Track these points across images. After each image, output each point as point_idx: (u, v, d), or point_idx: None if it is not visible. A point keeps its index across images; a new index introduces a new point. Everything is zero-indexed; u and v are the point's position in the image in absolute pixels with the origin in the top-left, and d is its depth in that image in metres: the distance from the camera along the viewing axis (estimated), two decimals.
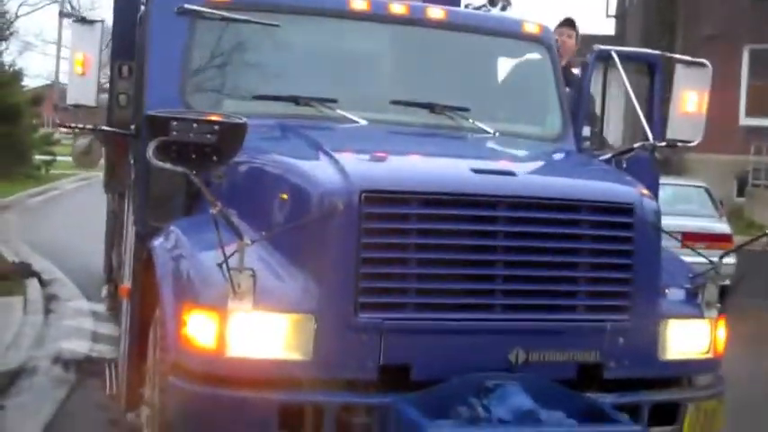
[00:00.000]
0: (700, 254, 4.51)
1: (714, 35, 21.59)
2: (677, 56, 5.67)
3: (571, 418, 3.69)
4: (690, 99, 5.46)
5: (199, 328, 3.66)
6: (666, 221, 11.27)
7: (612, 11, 30.16)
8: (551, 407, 3.70)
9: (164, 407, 3.83)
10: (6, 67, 30.14)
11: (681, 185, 14.58)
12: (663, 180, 17.01)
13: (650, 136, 5.29)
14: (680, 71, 5.49)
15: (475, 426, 3.56)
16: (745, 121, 23.12)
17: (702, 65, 5.56)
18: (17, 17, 42.22)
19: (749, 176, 22.35)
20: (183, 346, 3.71)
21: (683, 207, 12.93)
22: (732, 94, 22.66)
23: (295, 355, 3.65)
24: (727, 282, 11.98)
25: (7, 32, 32.59)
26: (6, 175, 24.09)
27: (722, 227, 11.92)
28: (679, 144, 5.45)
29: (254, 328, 3.61)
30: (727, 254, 4.44)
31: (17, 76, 30.16)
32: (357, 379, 3.73)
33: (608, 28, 31.40)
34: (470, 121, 5.10)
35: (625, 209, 4.02)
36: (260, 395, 3.61)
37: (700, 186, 13.60)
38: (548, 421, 3.61)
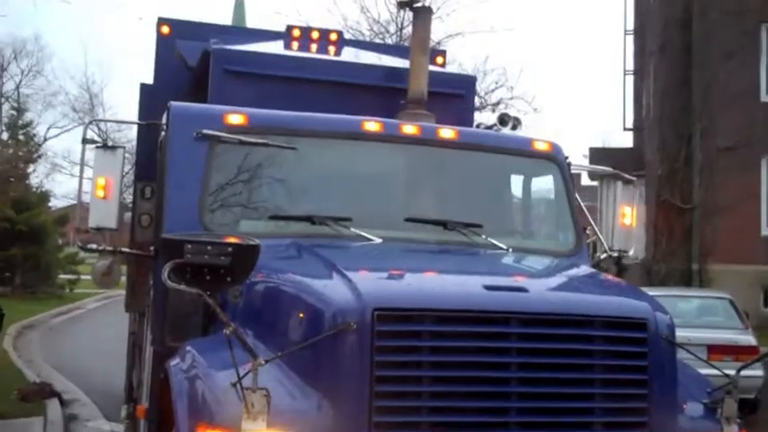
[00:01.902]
0: (714, 366, 4.47)
1: (731, 146, 21.78)
2: (610, 170, 5.96)
3: None
4: (627, 213, 5.80)
5: None
6: (692, 334, 11.16)
7: (630, 123, 30.54)
8: None
9: None
10: (34, 189, 30.79)
11: (705, 297, 14.49)
12: (686, 292, 16.99)
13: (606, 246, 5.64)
14: (617, 188, 5.76)
15: None
16: (766, 231, 23.05)
17: (629, 181, 5.83)
18: (45, 140, 43.41)
19: None
20: None
21: (708, 319, 12.84)
22: (753, 204, 22.72)
23: None
24: (754, 395, 11.84)
25: (35, 155, 33.34)
26: (32, 293, 24.33)
27: (748, 339, 11.75)
28: (622, 254, 5.76)
29: None
30: (745, 366, 4.37)
31: (44, 197, 30.81)
32: None
33: (627, 140, 31.79)
34: (483, 237, 5.16)
35: (639, 324, 4.02)
36: None
37: (724, 298, 13.48)
38: None
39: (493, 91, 29.05)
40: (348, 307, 3.78)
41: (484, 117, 26.57)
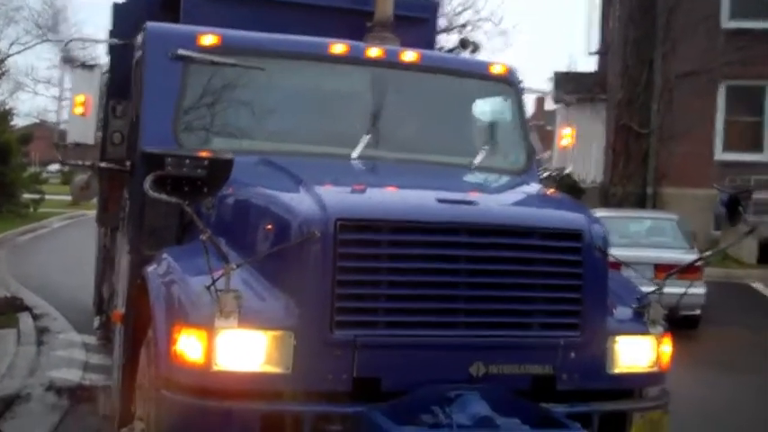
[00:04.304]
0: (643, 276, 4.92)
1: (690, 72, 22.18)
2: (555, 93, 6.39)
3: (526, 425, 4.06)
4: (565, 134, 6.30)
5: (188, 345, 4.01)
6: (640, 253, 11.65)
7: (594, 48, 30.81)
8: (508, 415, 4.07)
9: (157, 418, 4.17)
10: None
11: (654, 218, 15.06)
12: (637, 213, 17.54)
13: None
14: (558, 109, 6.17)
15: (437, 430, 3.92)
16: (721, 156, 23.62)
17: (569, 103, 6.39)
18: (8, 56, 42.73)
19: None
20: (174, 362, 4.05)
21: (656, 239, 13.39)
22: (708, 129, 23.24)
23: (276, 369, 4.00)
24: (698, 311, 12.45)
25: None
26: None
27: (692, 258, 12.29)
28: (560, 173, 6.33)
29: (239, 344, 3.96)
30: (668, 277, 4.80)
31: (6, 115, 30.55)
32: (333, 390, 4.07)
33: (592, 65, 32.09)
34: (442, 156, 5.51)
35: (574, 234, 4.41)
36: (244, 406, 3.96)
37: (672, 219, 14.03)
38: (503, 426, 3.98)
39: (460, 13, 29.20)
40: (313, 217, 4.11)
41: (451, 39, 26.75)
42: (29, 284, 13.07)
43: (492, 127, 6.16)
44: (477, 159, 5.72)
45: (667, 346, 4.71)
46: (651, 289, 4.71)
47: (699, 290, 12.35)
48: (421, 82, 5.80)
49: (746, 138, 23.35)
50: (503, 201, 4.97)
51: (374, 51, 5.71)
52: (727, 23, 23.16)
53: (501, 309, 4.26)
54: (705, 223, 22.14)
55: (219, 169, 3.98)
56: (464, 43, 6.53)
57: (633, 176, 22.14)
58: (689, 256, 12.47)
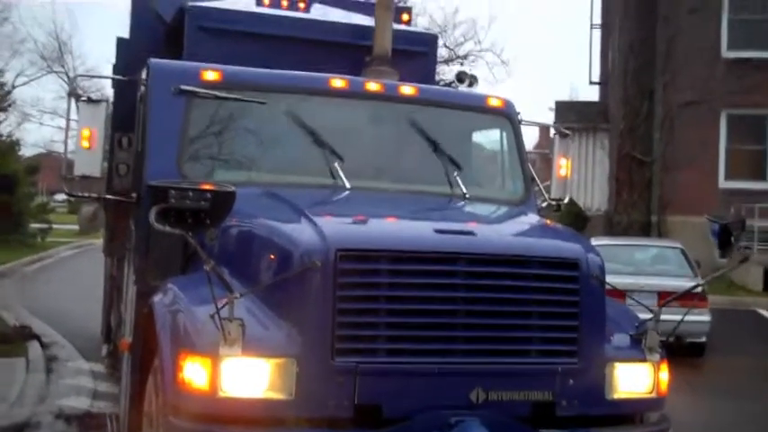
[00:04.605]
0: (640, 303, 5.01)
1: (691, 101, 22.35)
2: (551, 125, 6.49)
3: None
4: (562, 164, 6.35)
5: (194, 373, 4.11)
6: (644, 281, 11.73)
7: (597, 77, 31.01)
8: None
9: None
10: (4, 138, 30.77)
11: (658, 246, 15.13)
12: (642, 242, 17.63)
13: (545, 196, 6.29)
14: (555, 140, 6.28)
15: None
16: (724, 184, 23.72)
17: (565, 134, 6.39)
18: (14, 87, 43.09)
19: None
20: (181, 389, 4.16)
21: (660, 267, 13.46)
22: (711, 158, 23.36)
23: (279, 396, 4.10)
24: (704, 339, 12.50)
25: (5, 104, 33.24)
26: (3, 242, 24.53)
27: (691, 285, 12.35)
28: (559, 203, 6.35)
29: (243, 371, 4.06)
30: (666, 304, 4.88)
31: (14, 146, 30.80)
32: (335, 417, 4.16)
33: (594, 94, 32.27)
34: (443, 187, 5.63)
35: (571, 264, 4.51)
36: (249, 431, 4.05)
37: (676, 247, 14.10)
38: None
39: (462, 44, 29.47)
40: (314, 248, 4.22)
41: (453, 69, 26.94)
42: (37, 313, 13.18)
43: (490, 158, 6.28)
44: (476, 190, 5.83)
45: (665, 373, 4.79)
46: (649, 316, 4.79)
47: (704, 317, 12.40)
48: (419, 115, 5.93)
49: (749, 166, 23.49)
50: (500, 231, 5.07)
51: (373, 86, 5.85)
52: (727, 53, 23.37)
53: (499, 336, 4.35)
54: (710, 251, 22.16)
55: (222, 201, 4.08)
56: (461, 77, 6.67)
57: (637, 204, 22.21)
58: (692, 284, 12.58)
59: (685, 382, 10.50)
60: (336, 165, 5.48)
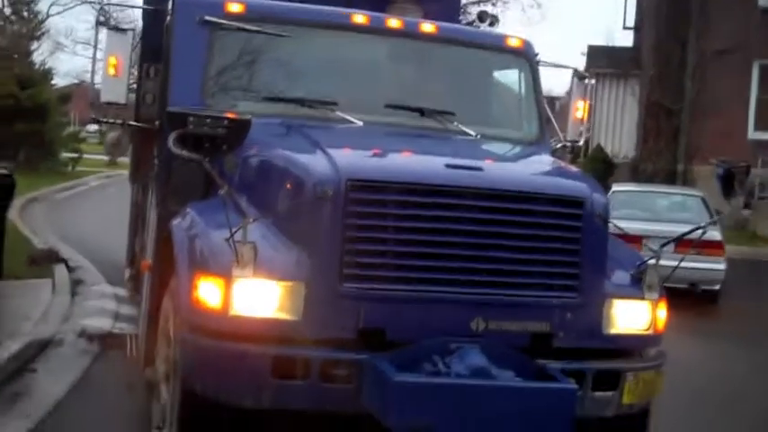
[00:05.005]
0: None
1: (724, 50, 22.10)
2: (569, 66, 6.53)
3: (520, 377, 4.32)
4: (579, 107, 6.42)
5: (208, 292, 4.32)
6: (660, 227, 11.86)
7: (631, 22, 30.64)
8: (504, 367, 4.32)
9: (179, 358, 4.51)
10: (38, 66, 31.07)
11: (679, 194, 15.18)
12: (664, 189, 17.62)
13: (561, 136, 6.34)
14: (573, 82, 6.34)
15: (434, 376, 4.20)
16: (753, 134, 23.55)
17: (583, 77, 6.45)
18: (48, 16, 43.31)
19: (755, 189, 22.78)
20: (195, 307, 4.37)
21: (678, 215, 13.52)
22: (741, 108, 23.17)
23: (287, 316, 4.30)
24: (717, 287, 12.63)
25: (39, 33, 33.46)
26: (35, 170, 24.97)
27: (713, 234, 12.44)
28: (574, 144, 6.44)
29: (254, 292, 4.26)
30: (667, 243, 4.99)
31: (47, 75, 31.12)
32: (340, 338, 4.36)
33: (628, 39, 31.90)
34: (455, 124, 5.75)
35: (576, 202, 4.63)
36: (257, 348, 4.26)
37: (696, 195, 14.15)
38: (498, 377, 4.24)
39: None
40: (326, 177, 4.38)
41: (487, 8, 26.73)
42: (66, 239, 13.53)
43: (507, 98, 6.38)
44: (491, 129, 5.94)
45: (663, 311, 4.92)
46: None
47: (719, 266, 12.52)
48: (438, 53, 6.03)
49: None
50: (508, 168, 5.20)
51: (394, 22, 5.94)
52: (763, 2, 23.02)
53: (502, 269, 4.50)
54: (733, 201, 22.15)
55: (238, 129, 4.24)
56: (482, 16, 6.74)
57: (664, 153, 22.18)
58: (710, 232, 12.65)
59: (696, 328, 10.67)
60: (353, 100, 5.61)
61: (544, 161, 5.52)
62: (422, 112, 5.74)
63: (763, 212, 22.03)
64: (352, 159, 4.69)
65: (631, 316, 4.81)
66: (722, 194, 5.02)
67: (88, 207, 19.77)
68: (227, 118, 4.21)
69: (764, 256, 18.85)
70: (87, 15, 51.08)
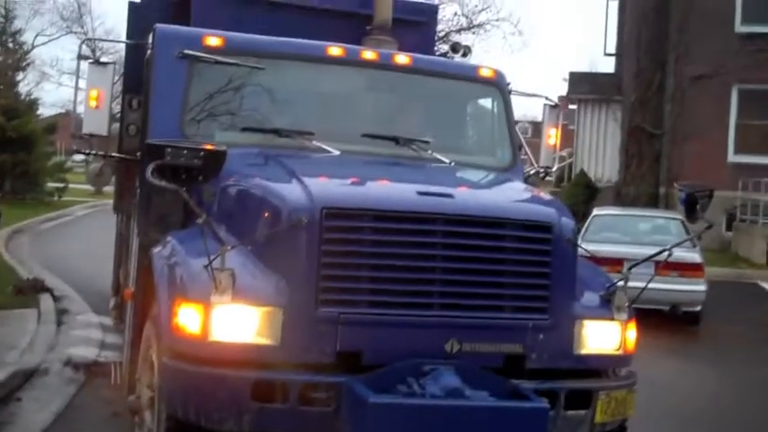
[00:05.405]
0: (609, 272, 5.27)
1: (703, 75, 22.42)
2: (541, 95, 6.71)
3: (494, 397, 4.42)
4: (551, 134, 6.63)
5: (187, 319, 4.42)
6: (640, 250, 12.03)
7: (612, 48, 31.00)
8: (478, 388, 4.42)
9: (162, 384, 4.61)
10: (23, 97, 31.16)
11: (659, 217, 15.36)
12: (644, 212, 17.81)
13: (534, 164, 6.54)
14: (545, 110, 6.53)
15: (410, 398, 4.31)
16: (733, 158, 23.86)
17: (555, 105, 6.63)
18: (33, 47, 43.50)
19: (737, 212, 23.05)
20: (175, 334, 4.48)
21: (658, 237, 13.67)
22: (721, 131, 23.48)
23: (266, 341, 4.41)
24: (699, 308, 12.77)
25: (24, 63, 33.59)
26: (20, 200, 25.00)
27: (693, 256, 12.61)
28: (547, 171, 6.64)
29: (233, 317, 4.36)
30: (634, 265, 5.12)
31: (33, 105, 31.21)
32: (318, 362, 4.46)
33: (609, 65, 32.30)
34: (430, 152, 5.90)
35: (544, 226, 4.77)
36: (236, 373, 4.36)
37: (675, 218, 14.32)
38: (472, 397, 4.34)
39: (479, 12, 29.55)
40: (301, 206, 4.51)
41: (467, 39, 27.04)
42: (51, 268, 13.56)
43: (480, 126, 6.55)
44: (464, 156, 6.10)
45: (632, 332, 5.05)
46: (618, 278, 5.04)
47: (699, 287, 12.66)
48: (413, 83, 6.19)
49: (759, 140, 23.60)
50: (479, 194, 5.34)
51: (369, 54, 6.11)
52: (740, 28, 23.40)
53: (474, 292, 4.62)
54: (716, 224, 22.41)
55: (214, 159, 4.37)
56: (455, 47, 6.93)
57: (646, 177, 22.34)
58: (690, 254, 12.83)
59: (676, 348, 10.81)
60: (329, 130, 5.75)
61: (515, 187, 5.67)
62: (397, 140, 5.90)
63: (744, 234, 22.29)
64: (327, 188, 4.82)
65: (601, 337, 4.94)
66: (686, 218, 5.15)
67: (74, 237, 19.80)
68: (203, 149, 4.35)
69: (746, 277, 19.07)
70: (72, 45, 51.36)
